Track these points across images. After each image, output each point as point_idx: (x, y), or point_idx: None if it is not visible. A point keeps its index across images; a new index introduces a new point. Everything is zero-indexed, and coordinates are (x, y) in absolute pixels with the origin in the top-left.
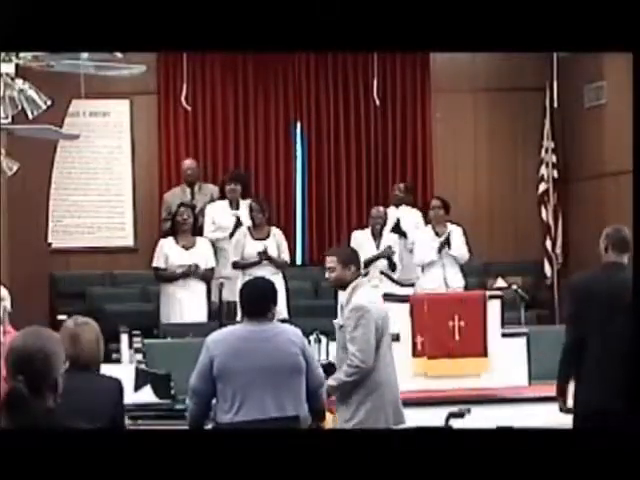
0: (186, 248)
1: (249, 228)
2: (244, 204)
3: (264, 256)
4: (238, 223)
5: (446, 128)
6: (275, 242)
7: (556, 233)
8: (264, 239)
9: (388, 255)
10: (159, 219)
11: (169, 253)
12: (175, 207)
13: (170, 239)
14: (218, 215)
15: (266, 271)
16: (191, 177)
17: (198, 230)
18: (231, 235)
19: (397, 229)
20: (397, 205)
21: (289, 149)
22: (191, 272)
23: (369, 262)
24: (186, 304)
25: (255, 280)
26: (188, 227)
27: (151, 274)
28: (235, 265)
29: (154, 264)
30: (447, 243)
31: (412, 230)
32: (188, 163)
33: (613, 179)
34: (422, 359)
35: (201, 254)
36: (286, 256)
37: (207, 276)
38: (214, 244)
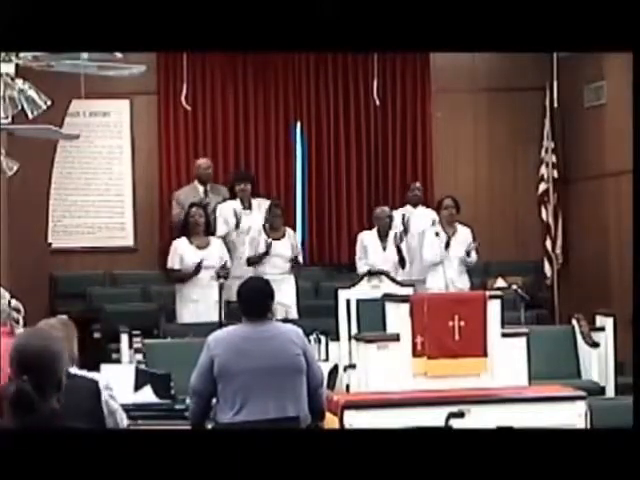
0: (200, 248)
1: (264, 227)
2: (255, 203)
3: (292, 262)
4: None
5: (446, 128)
6: (290, 243)
7: (556, 233)
8: (279, 239)
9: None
10: (159, 219)
11: (183, 254)
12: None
13: (184, 239)
14: (231, 215)
15: (276, 271)
16: (208, 176)
17: (212, 230)
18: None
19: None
20: (415, 205)
21: (289, 149)
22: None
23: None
24: (201, 304)
25: (252, 280)
26: (201, 227)
27: (151, 274)
28: (249, 260)
29: (169, 265)
30: (447, 244)
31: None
32: (206, 162)
33: (613, 179)
34: (422, 359)
35: (215, 253)
36: (300, 257)
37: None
38: (226, 244)
